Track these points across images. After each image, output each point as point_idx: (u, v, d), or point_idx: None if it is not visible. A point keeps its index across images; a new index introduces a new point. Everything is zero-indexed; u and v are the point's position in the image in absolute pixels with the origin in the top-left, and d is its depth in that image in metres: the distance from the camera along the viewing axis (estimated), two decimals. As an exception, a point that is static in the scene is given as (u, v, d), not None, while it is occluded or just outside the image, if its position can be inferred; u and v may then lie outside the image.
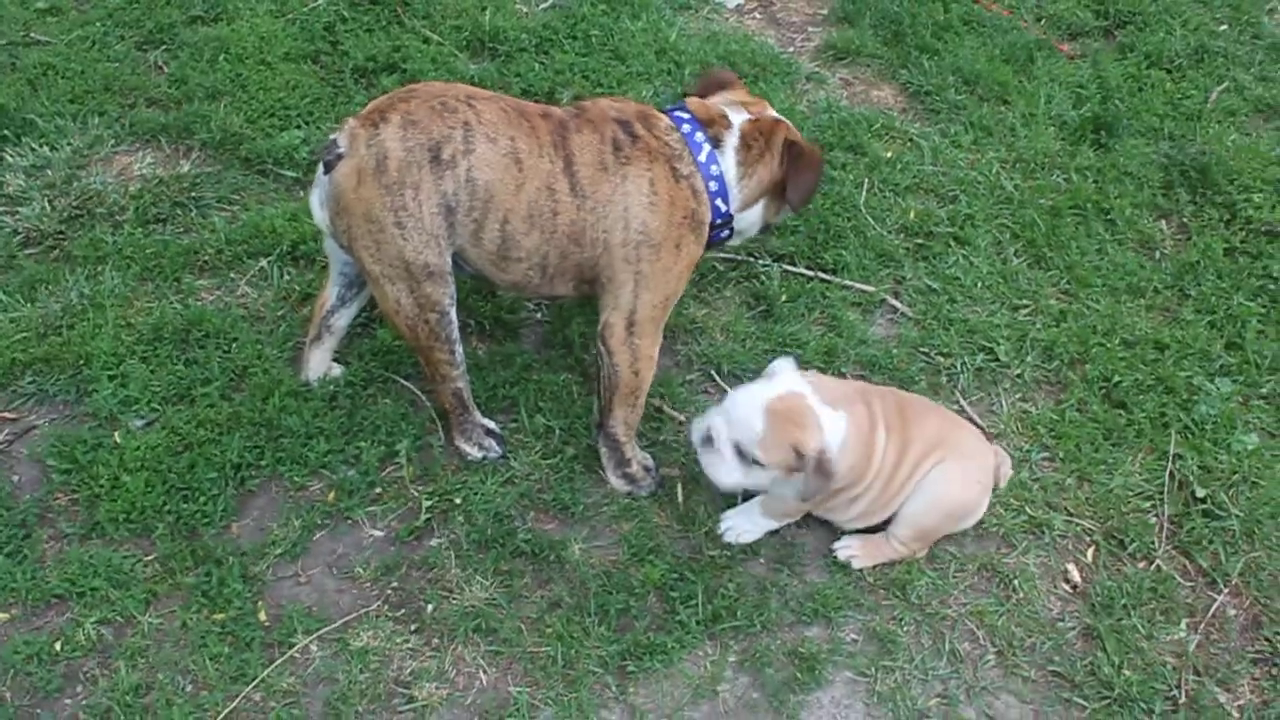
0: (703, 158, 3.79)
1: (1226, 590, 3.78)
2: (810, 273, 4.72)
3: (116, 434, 3.98)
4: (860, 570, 3.75)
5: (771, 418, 3.48)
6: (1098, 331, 4.52)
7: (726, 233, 3.97)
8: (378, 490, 3.91)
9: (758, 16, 6.37)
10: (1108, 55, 6.02)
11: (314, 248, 4.62)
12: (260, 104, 5.36)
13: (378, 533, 3.82)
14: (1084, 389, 4.33)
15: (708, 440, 3.60)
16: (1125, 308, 4.66)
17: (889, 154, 5.33)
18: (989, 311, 4.60)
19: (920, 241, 4.91)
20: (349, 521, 3.84)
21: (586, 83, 5.53)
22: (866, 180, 5.15)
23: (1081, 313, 4.62)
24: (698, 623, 3.59)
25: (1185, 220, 5.10)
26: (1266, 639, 3.67)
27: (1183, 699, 3.50)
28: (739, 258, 4.78)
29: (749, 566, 3.78)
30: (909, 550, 3.74)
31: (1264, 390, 4.37)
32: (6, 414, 4.10)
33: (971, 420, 4.14)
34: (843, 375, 4.25)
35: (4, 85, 5.40)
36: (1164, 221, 5.13)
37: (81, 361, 4.19)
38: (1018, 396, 4.34)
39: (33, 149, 5.06)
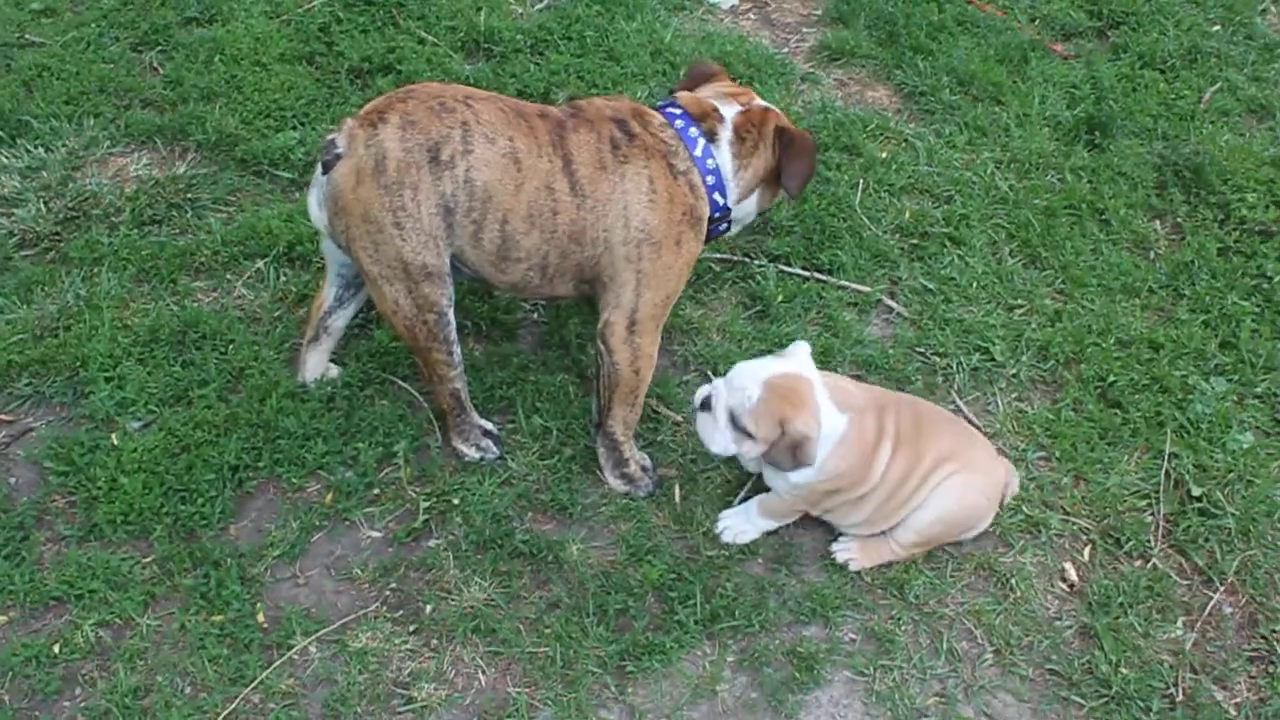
0: (698, 152, 3.80)
1: (1223, 588, 3.79)
2: (806, 273, 4.73)
3: (114, 436, 3.98)
4: (858, 571, 3.76)
5: (768, 390, 3.51)
6: (1093, 331, 4.54)
7: (725, 225, 3.99)
8: (375, 491, 3.91)
9: (752, 17, 6.38)
10: (1101, 56, 6.04)
11: (310, 249, 4.62)
12: (255, 105, 5.36)
13: (376, 534, 3.82)
14: (1079, 388, 4.34)
15: (706, 405, 3.63)
16: (1120, 307, 4.68)
17: (884, 154, 5.34)
18: (984, 311, 4.61)
19: (915, 242, 4.92)
20: (347, 523, 3.84)
21: (582, 83, 5.54)
22: (862, 181, 5.16)
23: (1076, 312, 4.63)
24: (696, 623, 3.59)
25: (1179, 220, 5.12)
26: (1263, 637, 3.68)
27: (1180, 697, 3.51)
28: (735, 258, 4.79)
29: (747, 566, 3.78)
30: (908, 554, 3.75)
31: (1259, 389, 4.39)
32: (3, 416, 4.10)
33: (969, 421, 4.14)
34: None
35: (-1, 87, 5.41)
36: (1158, 221, 5.15)
37: (78, 363, 4.19)
38: (1014, 396, 4.35)
39: (28, 150, 5.06)
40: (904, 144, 5.44)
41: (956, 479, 3.64)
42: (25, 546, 3.70)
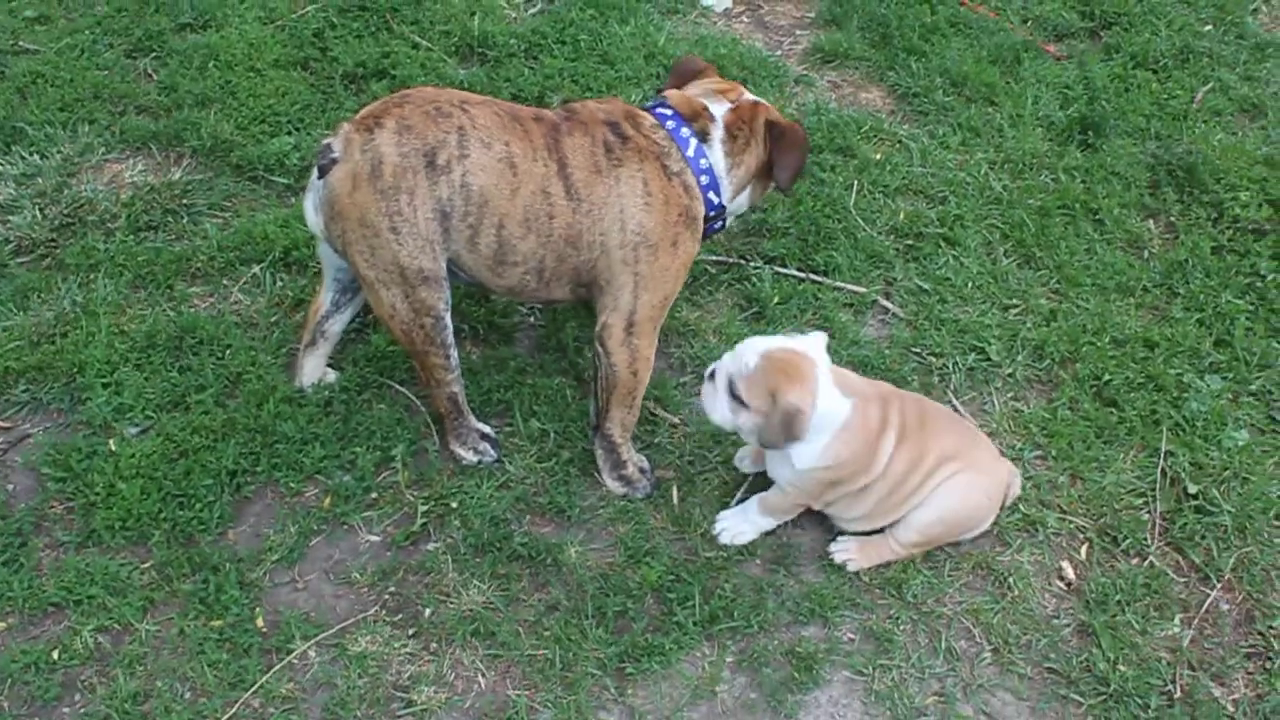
0: (691, 153, 3.81)
1: (1219, 585, 3.80)
2: (802, 274, 4.74)
3: (111, 442, 3.98)
4: (856, 571, 3.77)
5: (766, 361, 3.53)
6: (1088, 330, 4.55)
7: (720, 224, 4.00)
8: (373, 495, 3.92)
9: (745, 20, 6.39)
10: (1094, 56, 6.06)
11: (306, 254, 4.63)
12: (250, 111, 5.36)
13: (374, 538, 3.82)
14: (1075, 387, 4.36)
15: (712, 375, 3.66)
16: (1115, 306, 4.69)
17: (878, 156, 5.36)
18: (980, 311, 4.63)
19: (910, 242, 4.93)
20: (345, 527, 3.84)
21: (576, 87, 5.55)
22: (856, 182, 5.17)
23: (1071, 312, 4.65)
24: (695, 624, 3.60)
25: (1173, 219, 5.13)
26: (1259, 633, 3.69)
27: (1177, 694, 3.52)
28: (730, 260, 4.80)
29: (745, 567, 3.79)
30: (906, 553, 3.76)
31: (1253, 387, 4.40)
32: (1, 423, 4.10)
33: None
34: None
35: (-7, 94, 5.41)
36: (1152, 221, 5.16)
37: (75, 369, 4.19)
38: (1010, 395, 4.36)
39: (23, 157, 5.06)
40: (898, 145, 5.46)
41: (960, 478, 3.65)
42: (23, 553, 3.70)
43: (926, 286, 4.72)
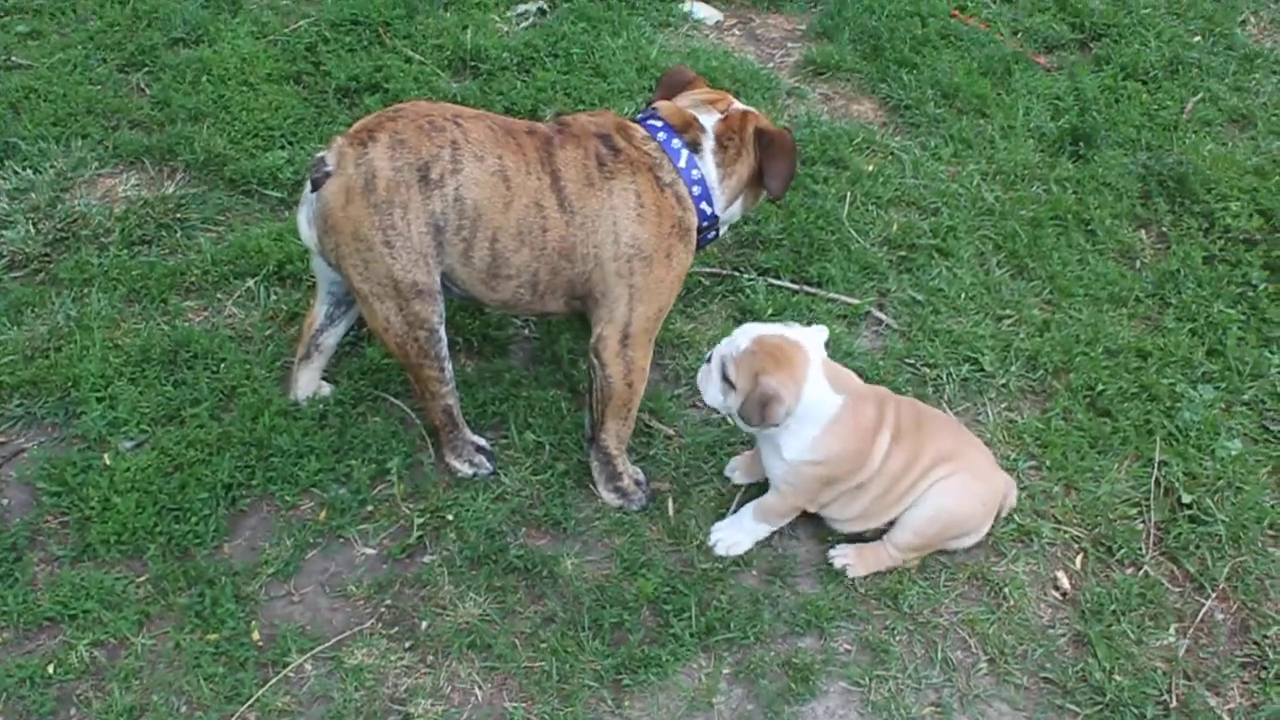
0: (682, 164, 3.82)
1: (1214, 595, 3.81)
2: (795, 286, 4.75)
3: (106, 456, 3.97)
4: (853, 579, 3.77)
5: (757, 345, 3.57)
6: (1081, 340, 4.56)
7: (713, 234, 4.01)
8: (369, 508, 3.92)
9: (737, 33, 6.41)
10: (1084, 67, 6.08)
11: (300, 267, 4.63)
12: (243, 125, 5.37)
13: (370, 551, 3.82)
14: (1069, 398, 4.37)
15: (710, 359, 3.71)
16: (1107, 317, 4.71)
17: (870, 167, 5.37)
18: (973, 322, 4.64)
19: (903, 254, 4.94)
20: (341, 540, 3.84)
21: (569, 100, 5.56)
22: (849, 194, 5.19)
23: (1064, 322, 4.66)
24: (691, 635, 3.60)
25: (1164, 229, 5.15)
26: (1255, 642, 3.70)
27: (1173, 703, 3.52)
28: (724, 272, 4.81)
29: (741, 578, 3.79)
30: (903, 558, 3.76)
31: (1245, 396, 4.42)
32: (-5, 437, 4.10)
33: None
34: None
35: (-14, 109, 5.41)
36: (1143, 231, 5.18)
37: (70, 384, 4.19)
38: (1003, 406, 4.37)
39: (16, 172, 5.06)
40: (890, 157, 5.48)
41: (955, 479, 3.66)
42: (18, 567, 3.69)
43: (920, 298, 4.73)
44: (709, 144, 3.88)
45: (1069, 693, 3.54)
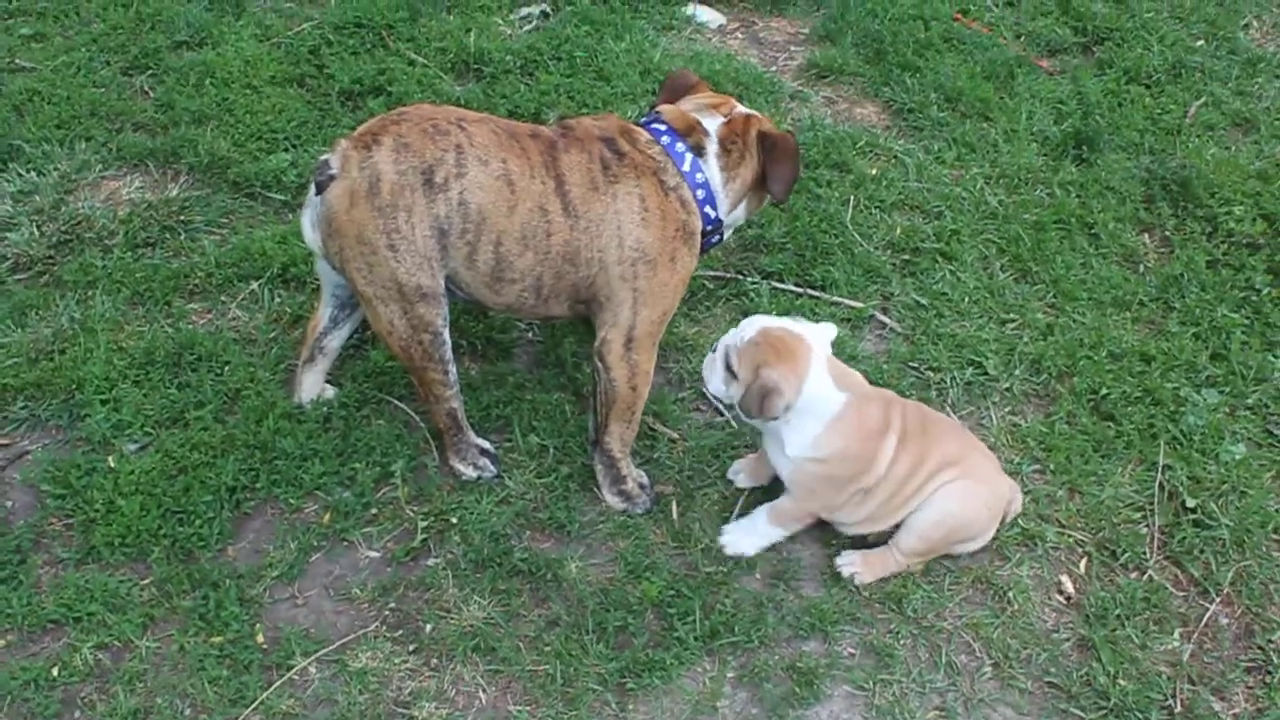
0: (686, 168, 3.82)
1: (1218, 599, 3.81)
2: (799, 289, 4.76)
3: (110, 458, 3.98)
4: (859, 585, 3.77)
5: (761, 337, 3.58)
6: (1085, 344, 4.56)
7: (717, 238, 4.01)
8: (373, 511, 3.91)
9: (740, 36, 6.42)
10: (1087, 71, 6.09)
11: (304, 270, 4.63)
12: (247, 128, 5.37)
13: (374, 554, 3.82)
14: (1072, 401, 4.37)
15: (716, 348, 3.72)
16: (1111, 320, 4.71)
17: (874, 171, 5.38)
18: (977, 326, 4.64)
19: (907, 257, 4.94)
20: (345, 543, 3.84)
21: (572, 103, 5.56)
22: (852, 197, 5.19)
23: (1068, 326, 4.66)
24: (696, 639, 3.60)
25: (1168, 233, 5.16)
26: (1259, 647, 3.70)
27: (1178, 708, 3.52)
28: (728, 275, 4.81)
29: (745, 582, 3.79)
30: (908, 563, 3.76)
31: (1249, 401, 4.42)
32: (-1, 440, 4.11)
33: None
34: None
35: (-10, 112, 5.42)
36: (1147, 235, 5.19)
37: (74, 386, 4.19)
38: (1007, 410, 4.37)
39: (20, 175, 5.06)
40: (893, 160, 5.48)
41: (960, 484, 3.66)
42: (23, 570, 3.69)
43: (923, 301, 4.73)
44: (713, 148, 3.88)
45: (1073, 697, 3.54)
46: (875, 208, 5.17)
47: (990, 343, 4.55)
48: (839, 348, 4.41)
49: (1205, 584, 3.85)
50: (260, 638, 3.57)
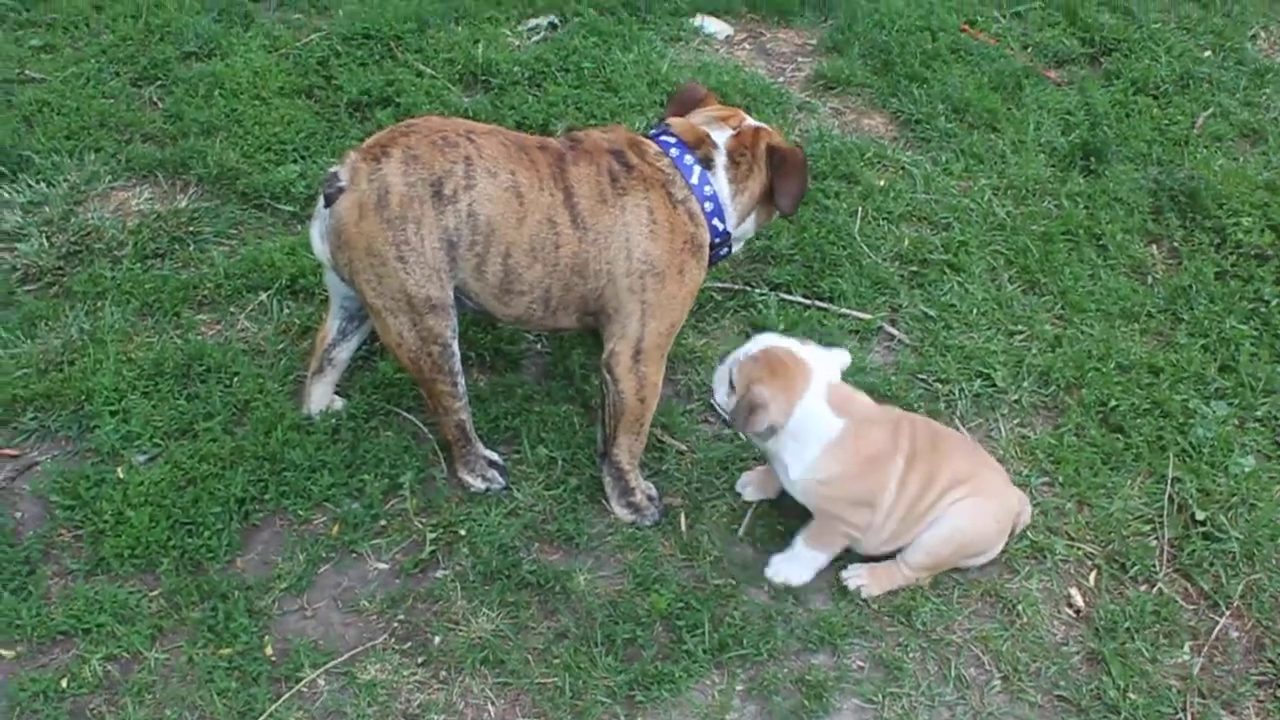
0: (695, 180, 3.82)
1: (1229, 612, 3.80)
2: (807, 301, 4.76)
3: (119, 469, 3.98)
4: (866, 598, 3.76)
5: (763, 354, 3.61)
6: (1093, 356, 4.56)
7: (726, 250, 4.01)
8: (382, 523, 3.91)
9: (747, 47, 6.43)
10: (1094, 82, 6.09)
11: (313, 281, 4.64)
12: (256, 139, 5.39)
13: (383, 565, 3.82)
14: (1081, 413, 4.36)
15: (725, 360, 3.76)
16: (1119, 332, 4.71)
17: (881, 182, 5.38)
18: (985, 337, 4.64)
19: (915, 269, 4.94)
20: (354, 554, 3.84)
21: (580, 114, 5.57)
22: (860, 209, 5.19)
23: (1076, 337, 4.66)
24: (704, 651, 3.59)
25: (1176, 245, 5.15)
26: (1270, 661, 3.69)
27: (1188, 721, 3.52)
28: (736, 287, 4.81)
29: (754, 595, 3.78)
30: (916, 577, 3.76)
31: (1259, 413, 4.41)
32: (8, 451, 4.10)
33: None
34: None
35: (0, 123, 5.41)
36: (1155, 246, 5.18)
37: (83, 397, 4.20)
38: (1016, 422, 4.37)
39: (29, 186, 5.07)
40: (901, 172, 5.48)
41: (970, 501, 3.65)
42: (32, 581, 3.69)
43: (931, 313, 4.73)
44: (721, 160, 3.89)
45: (1083, 711, 3.53)
46: (883, 219, 5.17)
47: (998, 354, 4.55)
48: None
49: (1215, 597, 3.85)
50: (269, 649, 3.57)
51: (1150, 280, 4.98)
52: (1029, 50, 6.39)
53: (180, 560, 3.75)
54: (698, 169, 3.83)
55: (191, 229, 4.96)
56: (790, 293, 4.80)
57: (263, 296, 4.65)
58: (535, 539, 3.90)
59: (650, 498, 3.99)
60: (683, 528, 3.96)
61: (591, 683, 3.51)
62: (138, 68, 5.86)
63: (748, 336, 4.55)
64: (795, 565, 3.80)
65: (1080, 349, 4.59)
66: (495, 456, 4.06)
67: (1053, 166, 5.55)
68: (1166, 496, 4.10)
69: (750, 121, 4.01)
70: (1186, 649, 3.70)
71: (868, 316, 4.71)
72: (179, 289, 4.64)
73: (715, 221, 3.88)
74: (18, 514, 3.91)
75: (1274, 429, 4.37)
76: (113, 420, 4.12)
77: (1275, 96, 6.11)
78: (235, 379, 4.30)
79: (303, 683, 3.49)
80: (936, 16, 6.46)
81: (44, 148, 5.28)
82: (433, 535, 3.87)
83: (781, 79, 6.16)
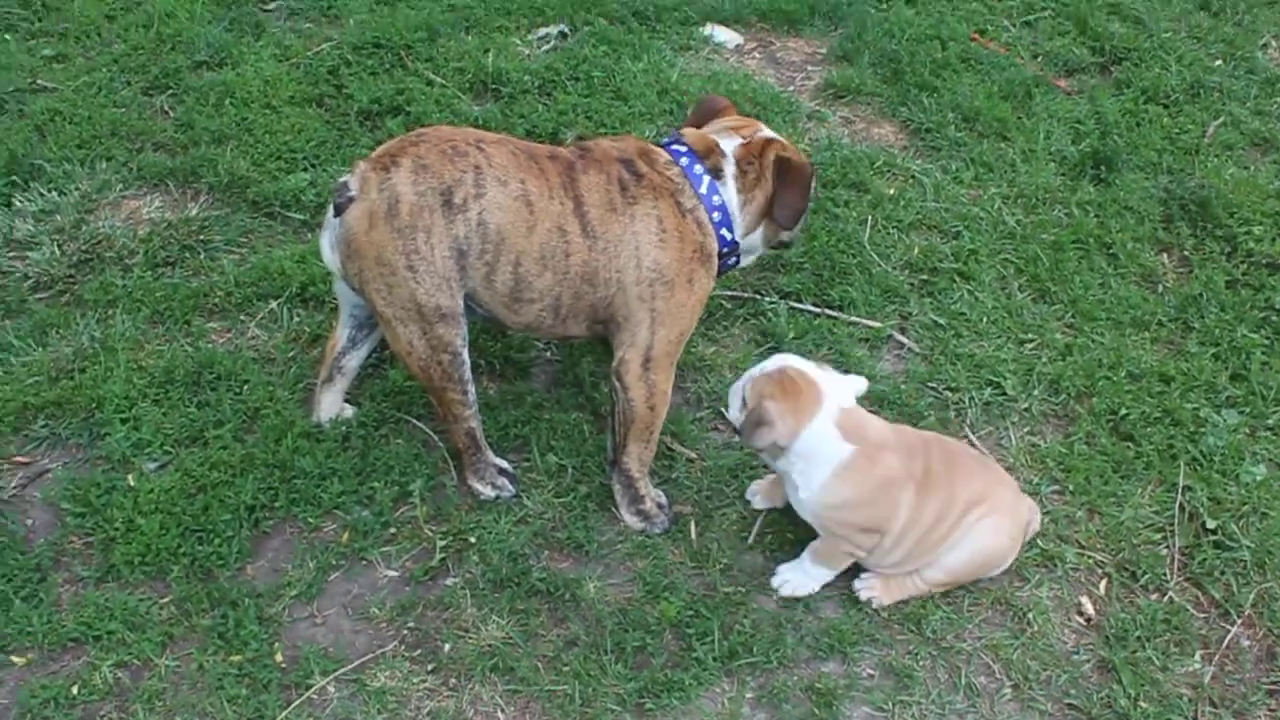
0: (703, 189, 3.83)
1: (1240, 621, 3.79)
2: (817, 309, 4.76)
3: (130, 477, 3.99)
4: (879, 608, 3.76)
5: (776, 373, 3.61)
6: (1103, 364, 4.55)
7: (735, 260, 4.01)
8: (392, 530, 3.92)
9: (757, 56, 6.43)
10: (1104, 91, 6.08)
11: (323, 289, 4.65)
12: (266, 147, 5.40)
13: (393, 573, 3.82)
14: (1091, 422, 4.36)
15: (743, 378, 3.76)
16: (1130, 340, 4.70)
17: (891, 191, 5.38)
18: (995, 346, 4.63)
19: (925, 277, 4.94)
20: (364, 562, 3.84)
21: (590, 123, 5.58)
22: (870, 217, 5.19)
23: (1087, 346, 4.65)
24: (714, 659, 3.59)
25: (1186, 253, 5.14)
26: (1281, 669, 3.69)
27: (1199, 730, 3.51)
28: (746, 295, 4.81)
29: (764, 602, 3.78)
30: (929, 589, 3.75)
31: (1270, 421, 4.40)
32: (20, 458, 4.11)
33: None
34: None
35: (12, 132, 5.44)
36: (1165, 255, 5.18)
37: (94, 405, 4.21)
38: (1026, 430, 4.36)
39: (41, 194, 5.09)
40: (911, 180, 5.48)
41: (987, 521, 3.64)
42: (43, 588, 3.70)
43: (941, 321, 4.73)
44: (730, 169, 3.89)
45: (1094, 719, 3.52)
46: (893, 227, 5.17)
47: (1009, 363, 4.55)
48: (856, 369, 4.43)
49: (1226, 606, 3.83)
50: (279, 657, 3.58)
51: (1161, 289, 4.98)
52: (1039, 59, 6.39)
53: (191, 567, 3.76)
54: (706, 178, 3.84)
55: (202, 237, 4.97)
56: (800, 301, 4.79)
57: (273, 304, 4.67)
58: (545, 546, 3.90)
59: (660, 505, 3.99)
60: (692, 535, 3.96)
61: (601, 690, 3.51)
62: (149, 77, 5.88)
63: (758, 345, 4.58)
64: (801, 577, 3.80)
65: (1091, 357, 4.58)
66: (505, 464, 4.06)
67: (1063, 175, 5.54)
68: (1177, 505, 4.09)
69: (765, 132, 4.00)
70: (1197, 658, 3.69)
71: (878, 325, 4.70)
72: (190, 297, 4.65)
73: (723, 231, 3.88)
74: (29, 521, 3.92)
75: (1285, 438, 4.37)
76: (123, 428, 4.13)
77: (1286, 105, 6.11)
78: (245, 387, 4.31)
79: (312, 690, 3.50)
80: (946, 25, 6.46)
81: (56, 156, 5.30)
82: (443, 543, 3.87)
83: (791, 88, 6.17)
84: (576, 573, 3.82)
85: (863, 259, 4.97)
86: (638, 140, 3.93)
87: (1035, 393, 4.46)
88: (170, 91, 5.83)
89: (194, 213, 5.09)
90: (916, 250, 5.04)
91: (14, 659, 3.54)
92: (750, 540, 3.95)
